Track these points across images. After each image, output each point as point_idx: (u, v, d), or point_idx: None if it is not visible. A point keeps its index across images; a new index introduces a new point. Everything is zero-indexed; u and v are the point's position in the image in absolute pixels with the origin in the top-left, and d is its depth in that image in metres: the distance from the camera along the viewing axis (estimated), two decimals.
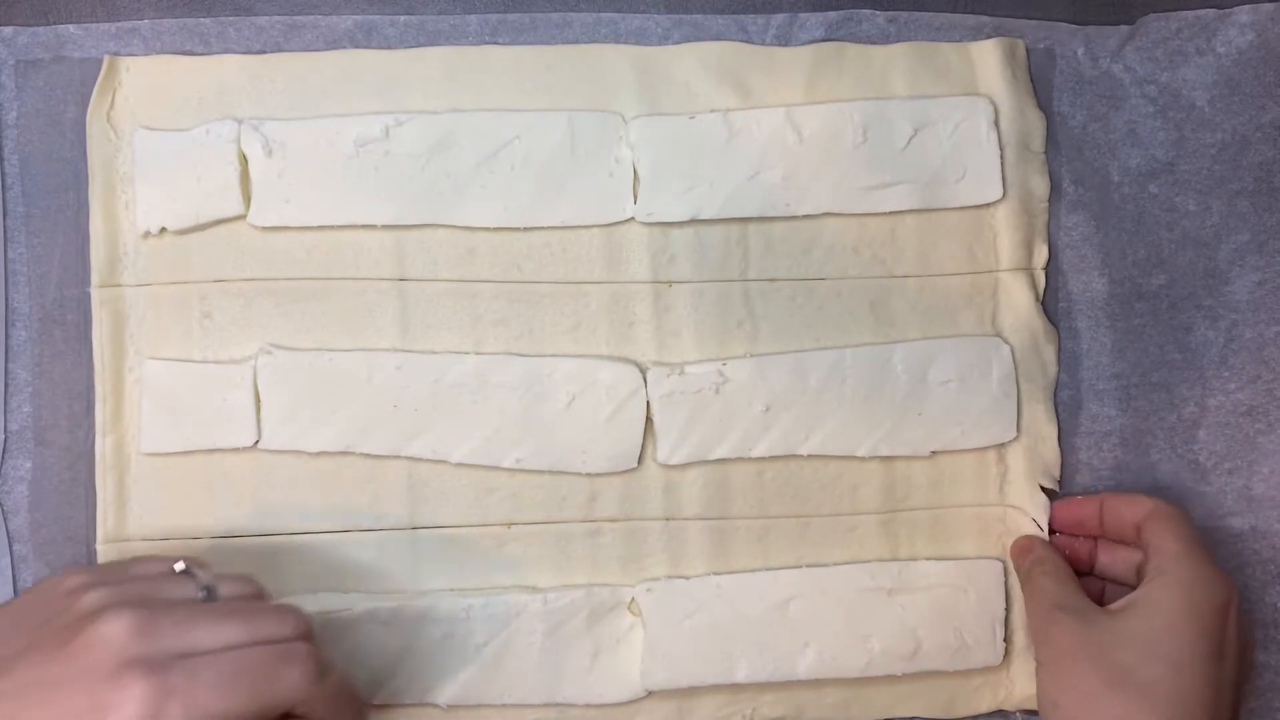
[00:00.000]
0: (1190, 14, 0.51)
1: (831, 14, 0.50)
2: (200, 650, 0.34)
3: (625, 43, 0.50)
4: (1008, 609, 0.49)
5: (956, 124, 0.49)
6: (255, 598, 0.39)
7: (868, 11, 0.50)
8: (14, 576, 0.48)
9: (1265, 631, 0.50)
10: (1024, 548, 0.49)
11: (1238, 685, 0.42)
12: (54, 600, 0.36)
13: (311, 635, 0.38)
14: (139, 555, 0.43)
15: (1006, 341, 0.50)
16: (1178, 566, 0.43)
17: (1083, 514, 0.48)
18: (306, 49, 0.49)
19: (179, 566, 0.38)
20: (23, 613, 0.36)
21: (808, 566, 0.49)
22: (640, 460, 0.49)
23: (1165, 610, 0.42)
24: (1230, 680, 0.41)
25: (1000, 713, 0.50)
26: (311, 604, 0.47)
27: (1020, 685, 0.50)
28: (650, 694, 0.48)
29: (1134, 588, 0.44)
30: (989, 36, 0.50)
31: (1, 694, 0.33)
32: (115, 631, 0.34)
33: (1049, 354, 0.50)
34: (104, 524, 0.48)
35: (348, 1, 0.50)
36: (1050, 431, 0.50)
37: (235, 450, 0.48)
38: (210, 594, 0.38)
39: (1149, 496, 0.46)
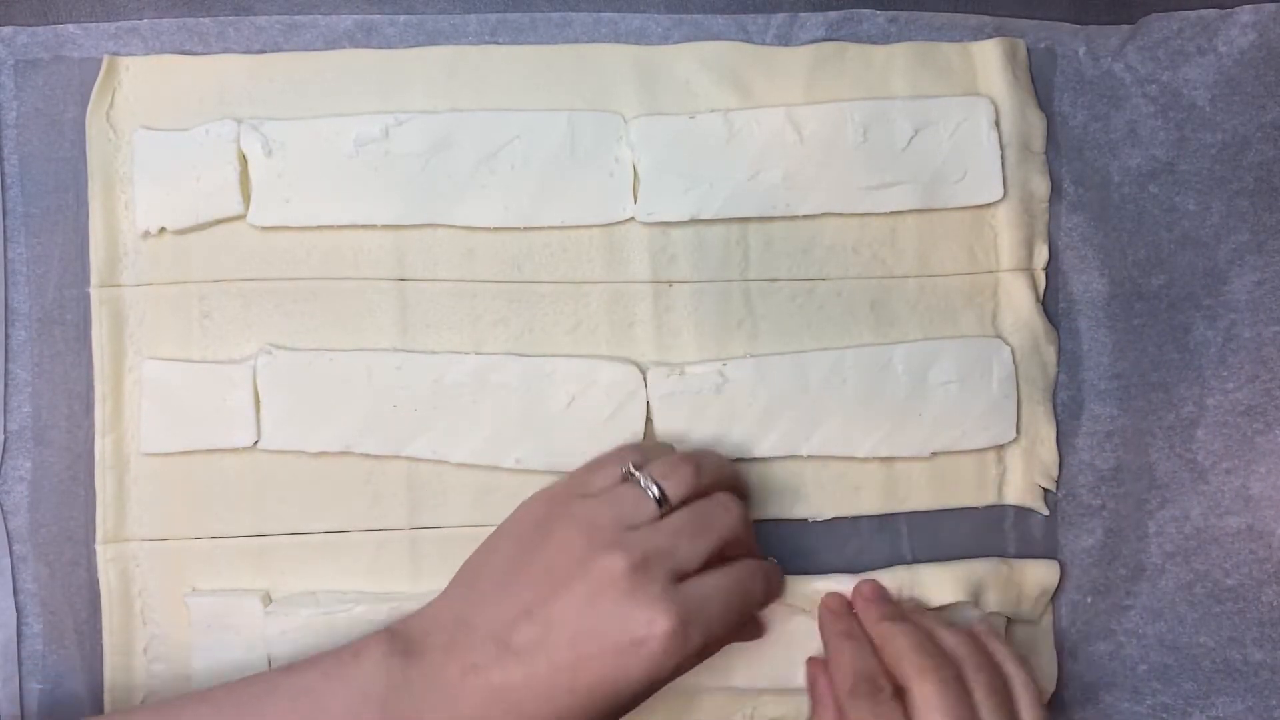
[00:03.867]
0: (1192, 13, 0.51)
1: (832, 14, 0.50)
2: (686, 571, 0.41)
3: (625, 43, 0.50)
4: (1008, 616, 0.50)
5: (957, 124, 0.49)
6: (694, 489, 0.43)
7: (868, 11, 0.50)
8: (14, 576, 0.48)
9: (1263, 630, 0.50)
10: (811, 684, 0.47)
11: None
12: (555, 548, 0.41)
13: (747, 517, 0.44)
14: (592, 464, 0.45)
15: (1007, 342, 0.50)
16: None
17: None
18: (306, 49, 0.49)
19: (625, 470, 0.44)
20: (527, 560, 0.42)
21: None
22: None
23: None
24: None
25: None
26: (311, 604, 0.47)
27: None
28: None
29: None
30: (990, 36, 0.50)
31: (552, 639, 0.39)
32: (623, 576, 0.40)
33: (1049, 354, 0.50)
34: (103, 524, 0.48)
35: (347, 1, 0.49)
36: (1049, 432, 0.50)
37: (235, 450, 0.48)
38: (662, 495, 0.42)
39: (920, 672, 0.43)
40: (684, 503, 0.43)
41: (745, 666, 0.48)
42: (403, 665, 0.40)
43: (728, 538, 0.43)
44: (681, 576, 0.41)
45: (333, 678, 0.40)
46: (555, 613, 0.40)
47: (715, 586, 0.41)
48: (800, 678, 0.48)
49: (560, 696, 0.39)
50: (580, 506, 0.42)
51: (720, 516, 0.43)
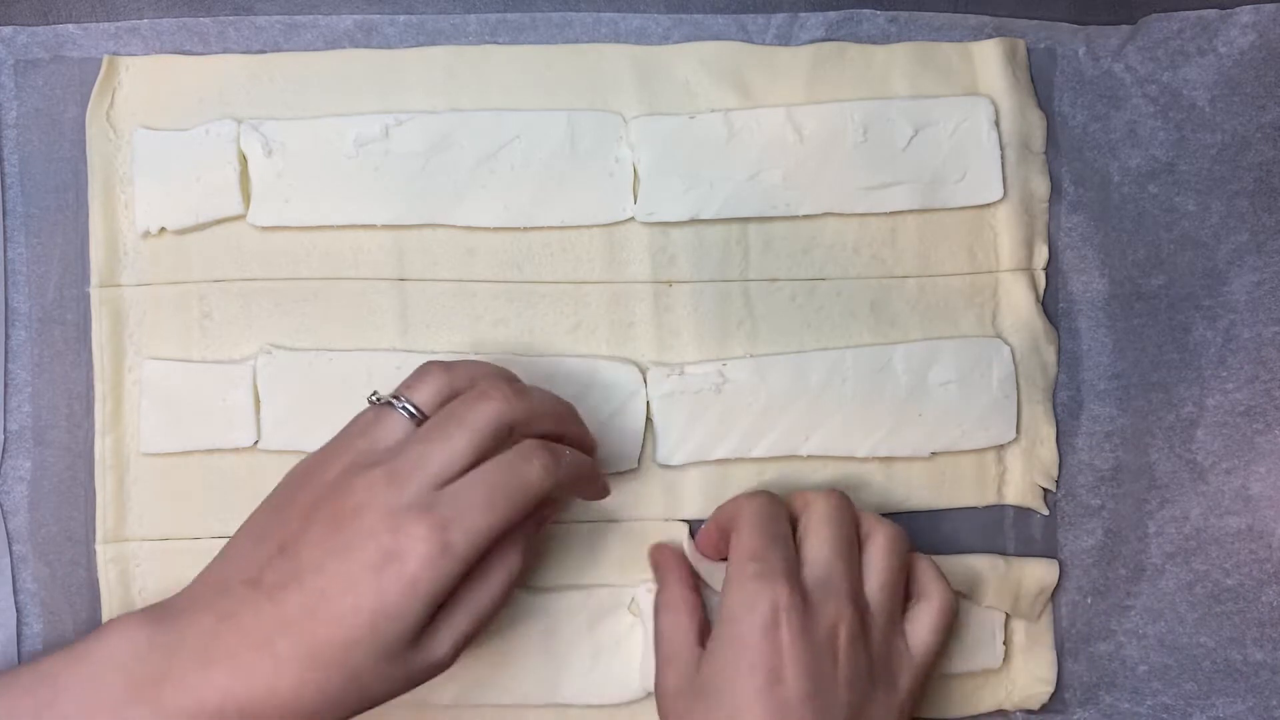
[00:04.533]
0: (1192, 14, 0.51)
1: (832, 14, 0.50)
2: (446, 474, 0.38)
3: (625, 42, 0.50)
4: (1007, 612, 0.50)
5: (957, 124, 0.49)
6: (447, 392, 0.41)
7: (868, 11, 0.50)
8: (13, 576, 0.48)
9: (1263, 630, 0.50)
10: (654, 564, 0.48)
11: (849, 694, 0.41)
12: (309, 487, 0.39)
13: (514, 401, 0.40)
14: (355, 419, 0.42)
15: (1007, 342, 0.50)
16: (725, 593, 0.42)
17: (710, 541, 0.47)
18: (306, 49, 0.49)
19: (374, 397, 0.41)
20: (284, 505, 0.40)
21: None
22: (640, 460, 0.49)
23: (717, 657, 0.41)
24: (800, 698, 0.39)
25: (1000, 712, 0.50)
26: None
27: (1020, 685, 0.50)
28: (651, 694, 0.48)
29: None
30: (990, 36, 0.50)
31: (302, 569, 0.37)
32: (372, 493, 0.37)
33: (1049, 355, 0.50)
34: (103, 524, 0.48)
35: (347, 1, 0.49)
36: (1049, 432, 0.50)
37: (235, 450, 0.48)
38: (416, 411, 0.40)
39: (746, 496, 0.45)
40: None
41: None
42: (150, 633, 0.37)
43: (490, 427, 0.39)
44: (444, 483, 0.38)
45: (73, 658, 0.37)
46: (305, 544, 0.37)
47: (477, 481, 0.38)
48: None
49: (316, 629, 0.36)
50: (333, 446, 0.40)
51: (476, 407, 0.39)
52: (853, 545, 0.44)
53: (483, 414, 0.39)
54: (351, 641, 0.36)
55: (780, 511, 0.44)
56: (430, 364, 0.42)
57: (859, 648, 0.41)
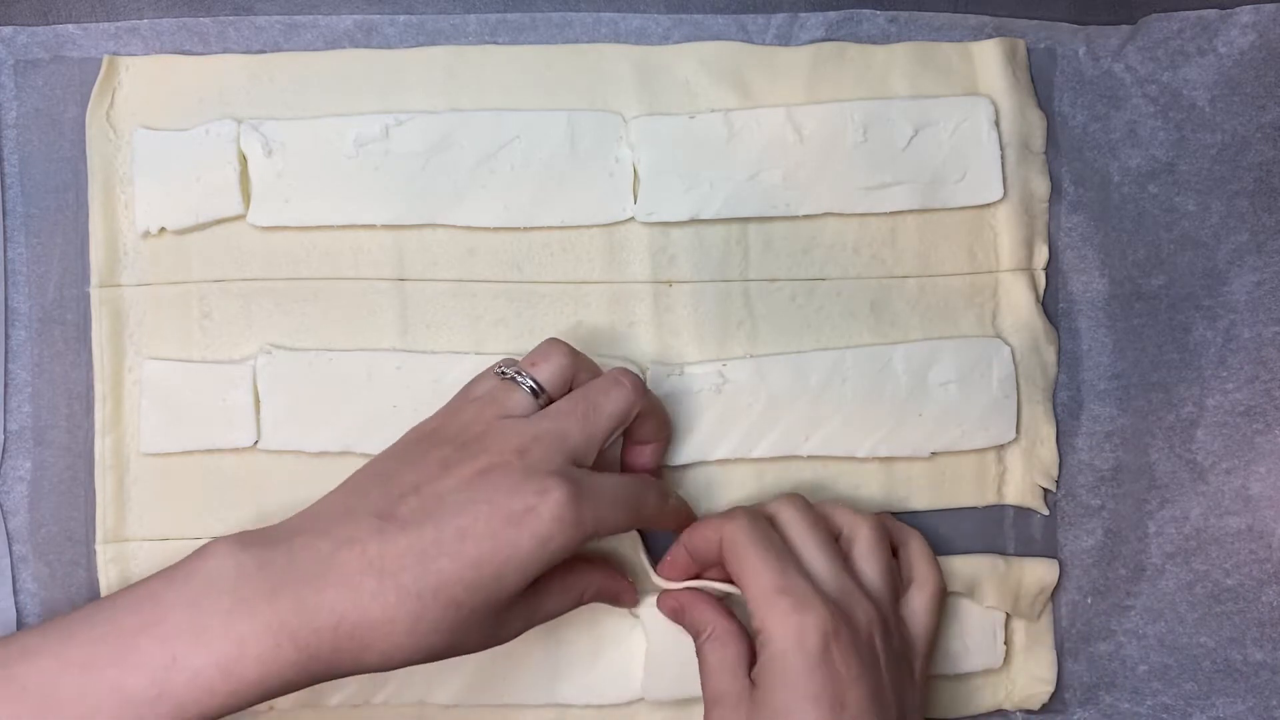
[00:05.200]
0: (1192, 14, 0.51)
1: (832, 14, 0.50)
2: (584, 454, 0.41)
3: (625, 42, 0.50)
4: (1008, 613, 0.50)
5: (957, 124, 0.49)
6: (569, 374, 0.43)
7: (868, 11, 0.50)
8: (13, 576, 0.48)
9: (1263, 630, 0.50)
10: (675, 610, 0.46)
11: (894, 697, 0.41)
12: (444, 443, 0.41)
13: (640, 393, 0.43)
14: (470, 381, 0.44)
15: (1007, 342, 0.50)
16: (763, 620, 0.41)
17: (679, 568, 0.46)
18: (306, 49, 0.49)
19: (501, 371, 0.43)
20: (414, 455, 0.41)
21: None
22: None
23: (771, 695, 0.40)
24: (860, 716, 0.39)
25: (1000, 712, 0.51)
26: None
27: (1020, 685, 0.50)
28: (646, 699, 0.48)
29: None
30: (990, 36, 0.50)
31: (441, 510, 0.38)
32: (516, 455, 0.39)
33: (1049, 355, 0.50)
34: (103, 524, 0.48)
35: (347, 1, 0.49)
36: (1049, 432, 0.50)
37: (235, 450, 0.48)
38: (538, 388, 0.42)
39: (718, 522, 0.44)
40: (565, 392, 0.43)
41: None
42: (257, 553, 0.37)
43: (621, 415, 0.42)
44: (576, 463, 0.40)
45: (176, 578, 0.38)
46: (445, 489, 0.39)
47: (614, 482, 0.41)
48: None
49: (444, 565, 0.37)
50: (459, 409, 0.42)
51: (613, 394, 0.42)
52: (835, 542, 0.44)
53: (619, 402, 0.42)
54: (475, 584, 0.38)
55: (768, 527, 0.44)
56: (554, 342, 0.44)
57: (889, 645, 0.42)
